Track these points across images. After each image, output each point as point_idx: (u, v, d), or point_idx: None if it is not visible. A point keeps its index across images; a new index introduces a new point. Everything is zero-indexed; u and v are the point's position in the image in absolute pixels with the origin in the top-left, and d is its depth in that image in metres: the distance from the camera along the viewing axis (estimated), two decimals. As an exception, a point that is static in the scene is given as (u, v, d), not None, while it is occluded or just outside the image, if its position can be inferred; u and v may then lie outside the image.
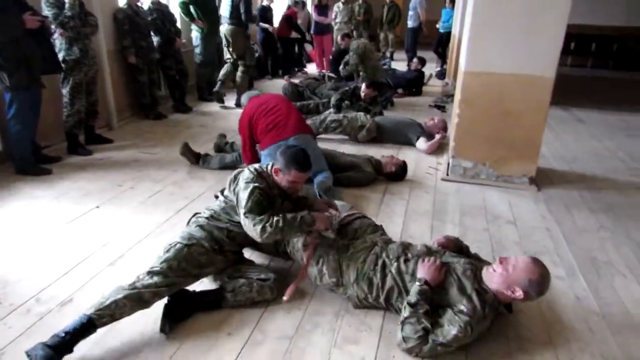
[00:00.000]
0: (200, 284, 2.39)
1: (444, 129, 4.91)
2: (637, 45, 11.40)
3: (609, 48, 11.73)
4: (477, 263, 2.18)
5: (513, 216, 3.36)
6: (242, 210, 2.21)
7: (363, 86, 5.59)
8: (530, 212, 3.46)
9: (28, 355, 1.80)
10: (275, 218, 2.17)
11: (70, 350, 1.86)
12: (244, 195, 2.22)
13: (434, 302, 2.03)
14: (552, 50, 3.49)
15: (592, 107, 7.17)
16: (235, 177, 2.35)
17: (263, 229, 2.15)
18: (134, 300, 1.99)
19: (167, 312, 2.07)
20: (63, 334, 1.85)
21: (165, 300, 2.11)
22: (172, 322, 2.08)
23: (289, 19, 8.96)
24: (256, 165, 2.39)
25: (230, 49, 6.40)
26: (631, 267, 2.75)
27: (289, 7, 9.41)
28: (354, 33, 9.84)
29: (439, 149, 4.84)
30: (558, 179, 4.14)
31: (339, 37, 8.35)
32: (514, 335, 2.14)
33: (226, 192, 2.40)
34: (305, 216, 2.25)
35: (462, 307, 1.95)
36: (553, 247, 2.96)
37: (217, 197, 2.54)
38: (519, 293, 1.96)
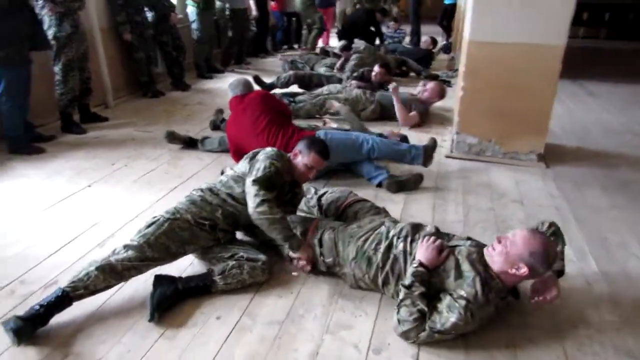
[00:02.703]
0: (190, 266, 2.32)
1: (438, 95, 4.68)
2: (654, 15, 11.00)
3: (624, 17, 11.27)
4: (484, 246, 2.01)
5: (520, 194, 3.22)
6: (251, 177, 2.21)
7: (376, 67, 5.38)
8: (537, 190, 3.31)
9: (3, 327, 1.80)
10: (277, 210, 2.16)
11: (45, 323, 1.86)
12: (260, 165, 2.24)
13: (434, 286, 1.91)
14: (563, 15, 3.28)
15: (604, 79, 6.92)
16: (255, 155, 2.34)
17: (262, 202, 2.14)
18: (106, 272, 1.95)
19: (157, 302, 1.97)
20: (37, 307, 1.85)
21: (150, 282, 2.04)
22: (161, 312, 1.98)
23: None
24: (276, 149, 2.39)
25: None
26: (645, 249, 2.60)
27: None
28: (356, 5, 9.56)
29: (441, 124, 4.67)
30: (568, 156, 3.97)
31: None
32: (518, 322, 2.02)
33: (238, 166, 2.36)
34: (296, 240, 2.20)
35: (462, 293, 1.82)
36: (562, 227, 2.77)
37: (223, 172, 2.46)
38: (524, 270, 1.81)
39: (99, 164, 3.63)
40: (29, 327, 1.80)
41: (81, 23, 4.27)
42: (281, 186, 2.31)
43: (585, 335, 1.96)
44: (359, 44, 6.31)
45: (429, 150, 3.37)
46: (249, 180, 2.21)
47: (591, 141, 4.38)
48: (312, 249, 2.24)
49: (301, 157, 2.35)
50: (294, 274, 2.28)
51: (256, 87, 4.22)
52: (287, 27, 9.34)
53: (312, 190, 2.71)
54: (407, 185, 3.23)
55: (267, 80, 5.80)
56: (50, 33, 4.04)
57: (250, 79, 5.04)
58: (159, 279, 2.05)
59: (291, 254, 2.25)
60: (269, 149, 2.36)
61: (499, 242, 1.88)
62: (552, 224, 2.16)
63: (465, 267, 1.89)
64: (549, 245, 1.84)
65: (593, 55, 9.32)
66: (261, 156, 2.30)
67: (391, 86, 4.52)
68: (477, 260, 1.91)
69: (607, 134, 4.59)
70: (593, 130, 4.69)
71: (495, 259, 1.88)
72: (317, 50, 8.09)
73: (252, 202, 2.16)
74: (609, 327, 2.01)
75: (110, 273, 1.96)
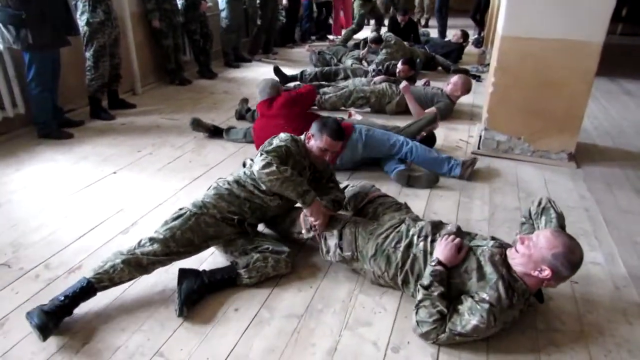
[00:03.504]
0: (211, 256, 2.32)
1: (462, 88, 4.53)
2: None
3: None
4: (508, 246, 1.96)
5: (548, 194, 3.12)
6: (262, 151, 2.18)
7: (399, 64, 5.28)
8: (567, 190, 3.21)
9: (27, 320, 1.80)
10: (285, 168, 2.11)
11: (70, 313, 1.87)
12: (273, 143, 2.24)
13: (455, 287, 1.87)
14: (602, 11, 3.14)
15: (642, 78, 6.66)
16: (270, 142, 2.30)
17: (269, 164, 2.09)
18: (132, 265, 1.96)
19: (185, 296, 1.96)
20: (62, 298, 1.86)
21: (172, 270, 2.05)
22: (190, 305, 1.97)
23: None
24: (291, 135, 2.33)
25: None
26: (678, 255, 2.50)
27: None
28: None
29: (469, 120, 4.57)
30: (600, 156, 3.83)
31: (398, 15, 7.87)
32: (543, 326, 1.96)
33: (257, 157, 2.30)
34: (309, 195, 2.14)
35: (485, 295, 1.76)
36: (591, 229, 2.73)
37: (244, 164, 2.45)
38: (547, 272, 1.74)
39: (125, 150, 3.68)
40: (54, 321, 1.79)
41: (113, 9, 4.31)
42: (302, 171, 2.28)
43: (613, 342, 1.89)
44: (389, 36, 6.17)
45: (468, 162, 3.29)
46: (258, 154, 2.17)
47: (625, 141, 4.22)
48: (325, 211, 2.21)
49: (314, 140, 2.29)
50: (305, 235, 2.26)
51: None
52: (317, 17, 9.24)
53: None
54: (417, 181, 3.16)
55: (292, 71, 5.77)
56: (83, 19, 4.10)
57: (272, 75, 5.01)
58: (184, 273, 2.04)
59: (305, 212, 2.20)
60: (282, 134, 2.31)
61: (522, 242, 1.82)
62: (541, 201, 2.16)
63: (488, 269, 1.84)
64: (572, 246, 1.76)
65: (631, 53, 8.97)
66: (275, 140, 2.28)
67: (402, 85, 4.43)
68: (500, 262, 1.85)
69: (643, 135, 4.42)
70: (627, 130, 4.52)
71: (517, 260, 1.82)
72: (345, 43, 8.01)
73: (257, 166, 2.11)
74: (637, 334, 1.94)
75: (136, 267, 1.96)
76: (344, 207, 2.54)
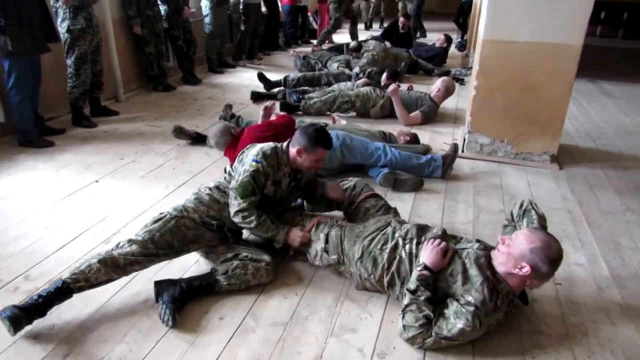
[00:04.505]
0: (195, 264, 2.30)
1: (448, 92, 4.57)
2: (672, 15, 10.75)
3: (641, 18, 11.08)
4: (492, 249, 1.97)
5: (532, 196, 3.15)
6: (234, 183, 2.20)
7: (384, 77, 5.25)
8: (550, 192, 3.25)
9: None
10: (252, 217, 2.16)
11: (43, 314, 1.85)
12: (242, 170, 2.20)
13: (440, 290, 1.87)
14: (580, 15, 3.20)
15: (621, 79, 6.77)
16: (247, 150, 2.30)
17: (236, 213, 2.17)
18: (108, 265, 1.94)
19: (173, 305, 1.93)
20: (36, 297, 1.85)
21: (156, 279, 2.02)
22: (178, 314, 1.95)
23: None
24: (270, 144, 2.29)
25: None
26: (659, 254, 2.53)
27: None
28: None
29: (453, 123, 4.61)
30: (582, 157, 3.89)
31: (401, 19, 7.86)
32: (527, 328, 1.97)
33: (235, 164, 2.33)
34: (279, 235, 2.23)
35: (470, 298, 1.77)
36: (574, 230, 2.76)
37: (226, 170, 2.47)
38: (527, 269, 1.75)
39: (107, 158, 3.63)
40: (26, 317, 1.78)
41: (95, 16, 4.27)
42: (279, 180, 2.28)
43: (597, 343, 1.91)
44: (369, 43, 6.21)
45: (447, 161, 3.31)
46: (232, 188, 2.20)
47: (605, 142, 4.29)
48: (302, 232, 2.23)
49: (306, 154, 2.25)
50: (291, 253, 2.31)
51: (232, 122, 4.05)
52: (297, 21, 9.25)
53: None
54: (404, 185, 3.16)
55: (275, 77, 5.76)
56: (64, 26, 4.05)
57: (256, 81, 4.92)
58: (160, 284, 2.03)
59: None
60: (255, 149, 2.26)
61: (503, 242, 1.84)
62: (522, 203, 2.20)
63: (473, 271, 1.85)
64: (549, 241, 1.77)
65: (610, 55, 9.15)
66: (246, 158, 2.24)
67: (390, 88, 4.46)
68: (485, 265, 1.86)
69: (622, 135, 4.49)
70: (607, 131, 4.59)
71: (499, 260, 1.84)
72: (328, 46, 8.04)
73: (231, 210, 2.18)
74: (620, 334, 1.96)
75: (112, 267, 1.95)
76: (336, 205, 2.54)
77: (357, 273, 2.09)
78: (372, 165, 3.30)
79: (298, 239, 2.21)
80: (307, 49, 8.32)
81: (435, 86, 4.62)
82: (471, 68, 5.89)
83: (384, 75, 5.20)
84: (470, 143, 3.77)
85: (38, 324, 1.86)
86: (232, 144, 3.18)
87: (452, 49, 8.22)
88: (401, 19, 7.83)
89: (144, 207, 2.88)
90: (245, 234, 2.45)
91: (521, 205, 2.19)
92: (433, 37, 8.73)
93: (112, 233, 2.60)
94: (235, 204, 2.16)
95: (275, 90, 5.35)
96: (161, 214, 2.19)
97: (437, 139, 4.15)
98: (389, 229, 2.12)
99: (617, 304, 2.14)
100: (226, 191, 2.26)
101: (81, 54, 4.15)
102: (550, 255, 1.75)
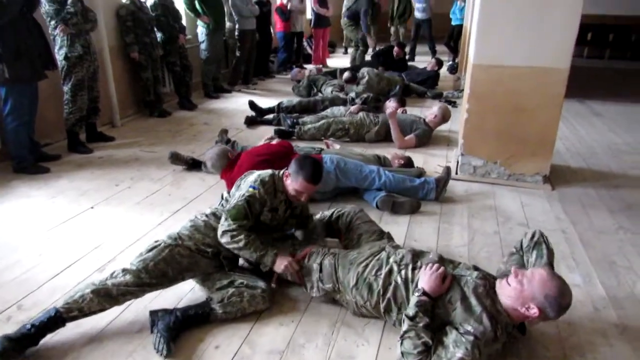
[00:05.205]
0: (191, 292, 2.29)
1: (444, 119, 4.67)
2: (656, 36, 11.02)
3: (627, 39, 11.31)
4: (491, 278, 1.96)
5: (525, 217, 3.18)
6: (228, 206, 2.22)
7: (392, 101, 5.19)
8: (544, 212, 3.27)
9: None
10: (241, 236, 2.13)
11: (35, 344, 1.84)
12: (239, 194, 2.23)
13: (438, 317, 1.86)
14: (566, 39, 3.28)
15: (610, 99, 6.88)
16: (244, 177, 2.33)
17: (224, 233, 2.15)
18: (101, 295, 1.93)
19: (168, 335, 1.92)
20: (29, 326, 1.84)
21: (151, 307, 2.00)
22: (173, 343, 1.93)
23: (279, 11, 8.63)
24: (269, 171, 2.32)
25: None
26: (654, 273, 2.55)
27: None
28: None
29: (446, 145, 4.65)
30: (574, 177, 3.93)
31: (396, 48, 7.96)
32: (526, 354, 1.96)
33: (232, 189, 2.34)
34: (267, 256, 2.18)
35: (469, 328, 1.75)
36: (569, 250, 2.78)
37: (222, 197, 2.48)
38: (534, 310, 1.74)
39: (103, 184, 3.63)
40: (17, 347, 1.77)
41: (92, 43, 4.33)
42: (276, 206, 2.28)
43: (594, 366, 1.91)
44: (362, 72, 6.30)
45: (441, 184, 3.34)
46: (225, 209, 2.22)
47: (596, 161, 4.34)
48: (290, 259, 2.19)
49: (290, 180, 2.26)
50: (273, 285, 2.22)
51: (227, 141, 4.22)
52: (292, 46, 9.36)
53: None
54: (402, 207, 3.18)
55: (269, 102, 5.80)
56: (61, 53, 4.11)
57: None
58: (155, 314, 2.01)
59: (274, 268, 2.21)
60: (253, 176, 2.29)
61: (516, 276, 1.80)
62: (534, 234, 2.17)
63: (473, 301, 1.83)
64: (564, 291, 1.76)
65: (598, 75, 9.30)
66: (243, 184, 2.28)
67: (388, 111, 4.51)
68: (484, 295, 1.84)
69: (613, 154, 4.55)
70: (598, 151, 4.65)
71: (507, 293, 1.81)
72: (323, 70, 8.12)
73: (219, 231, 2.17)
74: (618, 355, 1.96)
75: (105, 297, 1.94)
76: (335, 231, 2.55)
77: (352, 301, 2.08)
78: (367, 189, 3.32)
79: (283, 265, 2.16)
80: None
81: (432, 112, 4.70)
82: (463, 90, 5.98)
83: (391, 100, 5.16)
84: (464, 165, 3.81)
85: (30, 354, 1.84)
86: (229, 167, 3.21)
87: (444, 72, 8.34)
88: (395, 49, 7.92)
89: (139, 234, 2.87)
90: (241, 261, 2.44)
91: (532, 237, 2.15)
92: (424, 60, 8.86)
93: (107, 261, 2.59)
94: (225, 224, 2.15)
95: (270, 116, 5.40)
96: (156, 241, 2.19)
97: (430, 162, 4.19)
98: (383, 254, 2.12)
99: (614, 325, 2.14)
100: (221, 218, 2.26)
101: (78, 80, 4.20)
102: (562, 305, 1.75)
